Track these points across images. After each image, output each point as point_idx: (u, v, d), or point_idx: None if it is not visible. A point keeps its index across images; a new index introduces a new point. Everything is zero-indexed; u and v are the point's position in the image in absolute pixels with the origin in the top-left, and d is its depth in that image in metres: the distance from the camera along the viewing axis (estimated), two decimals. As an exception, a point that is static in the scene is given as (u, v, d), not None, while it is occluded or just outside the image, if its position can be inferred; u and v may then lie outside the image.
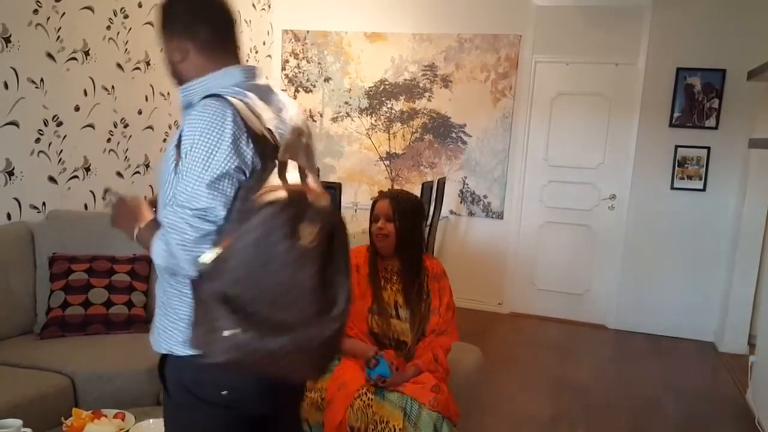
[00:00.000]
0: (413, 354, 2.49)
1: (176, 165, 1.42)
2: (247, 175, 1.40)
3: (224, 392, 1.50)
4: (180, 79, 1.59)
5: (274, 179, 1.36)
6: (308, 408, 2.37)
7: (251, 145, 1.40)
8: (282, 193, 1.33)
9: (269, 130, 1.48)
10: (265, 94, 1.55)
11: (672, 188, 5.31)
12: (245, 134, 1.40)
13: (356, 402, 2.21)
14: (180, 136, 1.42)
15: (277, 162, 1.41)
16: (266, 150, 1.43)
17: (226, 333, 1.29)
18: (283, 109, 1.59)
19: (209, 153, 1.37)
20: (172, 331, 1.54)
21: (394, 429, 2.15)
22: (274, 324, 1.32)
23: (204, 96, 1.45)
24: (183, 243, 1.39)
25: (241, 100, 1.44)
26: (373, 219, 2.55)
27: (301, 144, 1.50)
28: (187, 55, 1.55)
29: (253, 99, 1.49)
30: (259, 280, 1.31)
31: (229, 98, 1.42)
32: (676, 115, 5.26)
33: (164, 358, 1.61)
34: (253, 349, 1.31)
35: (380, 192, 2.66)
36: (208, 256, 1.34)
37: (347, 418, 2.20)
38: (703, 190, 5.24)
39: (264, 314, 1.32)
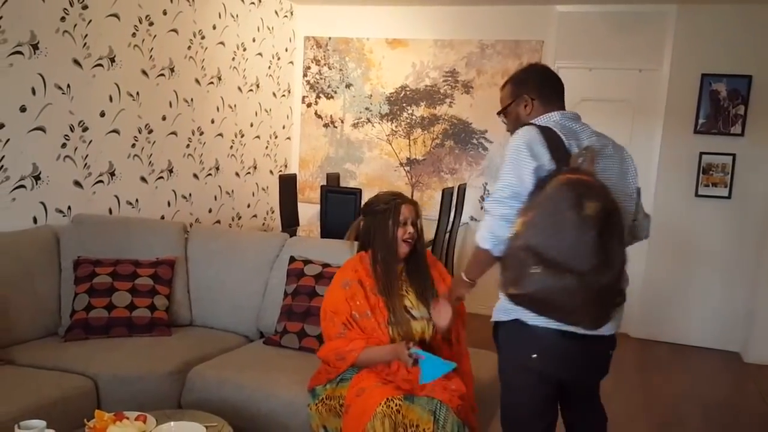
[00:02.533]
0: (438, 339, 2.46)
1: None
2: (546, 171, 1.96)
3: (534, 355, 2.03)
4: (520, 125, 2.15)
5: (564, 172, 1.93)
6: (326, 414, 2.37)
7: (547, 152, 1.98)
8: (567, 178, 1.89)
9: (565, 146, 2.03)
10: (572, 127, 2.12)
11: (696, 195, 5.24)
12: (541, 144, 1.99)
13: (381, 408, 2.16)
14: None
15: (569, 164, 1.97)
16: (560, 156, 1.99)
17: (531, 270, 1.83)
18: (582, 135, 2.12)
19: (512, 157, 2.01)
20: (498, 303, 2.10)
21: None
22: (565, 269, 1.80)
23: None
24: (504, 219, 1.95)
25: (547, 126, 2.06)
26: (401, 223, 2.46)
27: (587, 155, 2.01)
28: (531, 107, 2.22)
29: (559, 128, 2.07)
30: (554, 236, 1.83)
31: (536, 124, 2.07)
32: (700, 121, 5.20)
33: (495, 325, 2.16)
34: (551, 284, 1.82)
35: (395, 195, 2.53)
36: (519, 222, 1.90)
37: (369, 427, 2.15)
38: (729, 197, 5.16)
39: (558, 261, 1.81)
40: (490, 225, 1.99)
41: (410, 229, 2.48)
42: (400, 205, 2.48)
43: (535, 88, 2.27)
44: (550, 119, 2.16)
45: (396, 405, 2.17)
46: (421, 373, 2.25)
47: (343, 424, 2.26)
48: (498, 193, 2.00)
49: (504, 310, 2.10)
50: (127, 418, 2.13)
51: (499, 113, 2.37)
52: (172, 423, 2.16)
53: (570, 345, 2.02)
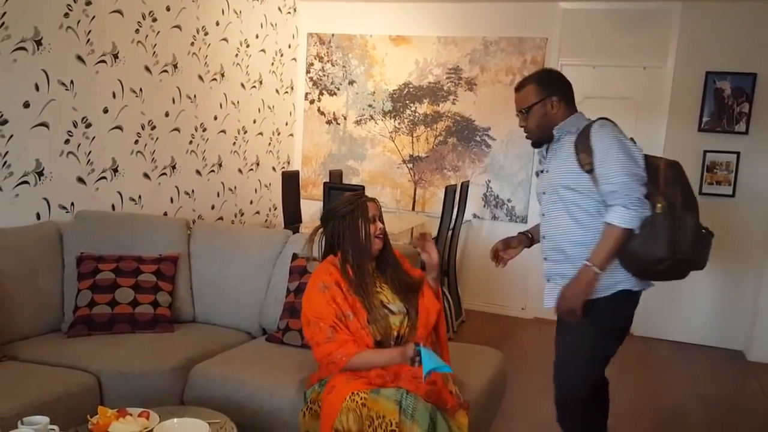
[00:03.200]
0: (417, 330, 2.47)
1: (582, 165, 2.40)
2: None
3: (626, 316, 2.53)
4: (546, 124, 2.53)
5: (653, 156, 2.49)
6: (310, 420, 2.37)
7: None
8: (667, 160, 2.48)
9: None
10: None
11: (700, 194, 5.21)
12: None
13: (346, 403, 2.16)
14: (577, 146, 2.43)
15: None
16: None
17: (692, 236, 2.40)
18: None
19: (627, 149, 2.38)
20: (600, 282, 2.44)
21: (390, 423, 2.12)
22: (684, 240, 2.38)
23: (580, 126, 2.48)
24: (644, 200, 2.36)
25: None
26: (371, 220, 2.46)
27: None
28: (559, 107, 2.52)
29: None
30: (694, 207, 2.45)
31: (607, 118, 2.47)
32: (705, 119, 5.18)
33: (592, 302, 2.45)
34: (703, 247, 2.47)
35: (357, 194, 2.55)
36: (659, 206, 2.36)
37: (337, 423, 2.15)
38: (733, 196, 5.15)
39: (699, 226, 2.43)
40: (637, 206, 2.32)
41: (380, 225, 2.49)
42: (365, 203, 2.49)
43: (561, 90, 2.52)
44: (583, 117, 2.52)
45: (361, 399, 2.16)
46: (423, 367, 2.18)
47: (321, 424, 2.26)
48: (632, 178, 2.33)
49: (608, 286, 2.43)
50: (130, 415, 2.14)
51: (521, 111, 2.55)
52: (175, 419, 2.16)
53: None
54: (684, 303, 5.34)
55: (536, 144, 2.64)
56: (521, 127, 2.63)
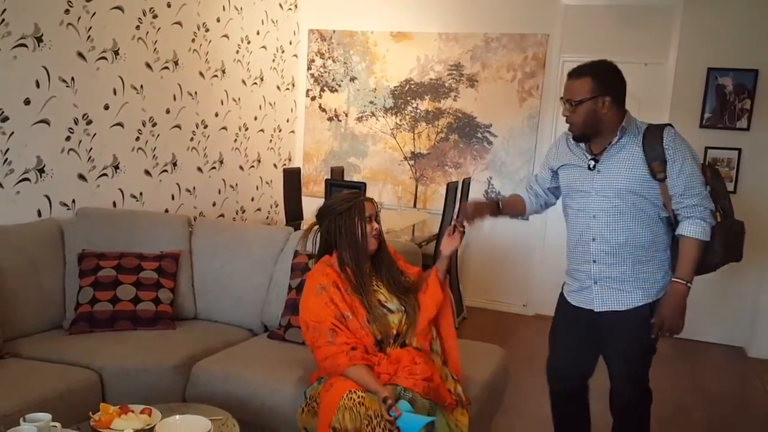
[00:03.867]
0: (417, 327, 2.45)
1: (655, 173, 2.40)
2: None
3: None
4: (593, 122, 2.44)
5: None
6: (307, 417, 2.37)
7: None
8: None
9: None
10: None
11: (702, 190, 5.21)
12: None
13: (343, 401, 2.14)
14: (647, 153, 2.43)
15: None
16: None
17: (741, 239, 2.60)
18: None
19: (697, 160, 2.46)
20: (650, 289, 2.52)
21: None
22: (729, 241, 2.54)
23: (640, 128, 2.50)
24: (713, 215, 2.46)
25: None
26: (367, 220, 2.44)
27: None
28: (610, 107, 2.44)
29: None
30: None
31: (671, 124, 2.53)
32: (706, 116, 5.17)
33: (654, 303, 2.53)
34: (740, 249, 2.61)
35: (354, 193, 2.52)
36: (718, 215, 2.50)
37: (334, 420, 2.14)
38: (734, 192, 5.14)
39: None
40: (711, 219, 2.44)
41: (375, 225, 2.47)
42: (363, 202, 2.46)
43: (615, 89, 2.46)
44: (633, 117, 2.51)
45: (358, 397, 2.15)
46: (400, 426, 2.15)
47: (318, 421, 2.25)
48: (706, 191, 2.44)
49: (664, 287, 2.51)
50: (132, 411, 2.14)
51: (570, 102, 2.45)
52: (177, 416, 2.16)
53: None
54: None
55: (579, 138, 2.52)
56: (565, 116, 2.52)
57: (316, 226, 2.55)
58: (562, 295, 2.75)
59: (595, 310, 2.56)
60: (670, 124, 2.49)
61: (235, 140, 5.36)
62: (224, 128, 5.18)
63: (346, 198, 2.49)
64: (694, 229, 2.41)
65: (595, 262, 2.53)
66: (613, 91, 2.44)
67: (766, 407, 4.07)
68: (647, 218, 2.47)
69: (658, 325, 2.51)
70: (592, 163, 2.50)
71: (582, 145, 2.55)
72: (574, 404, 2.83)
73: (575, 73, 2.48)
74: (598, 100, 2.41)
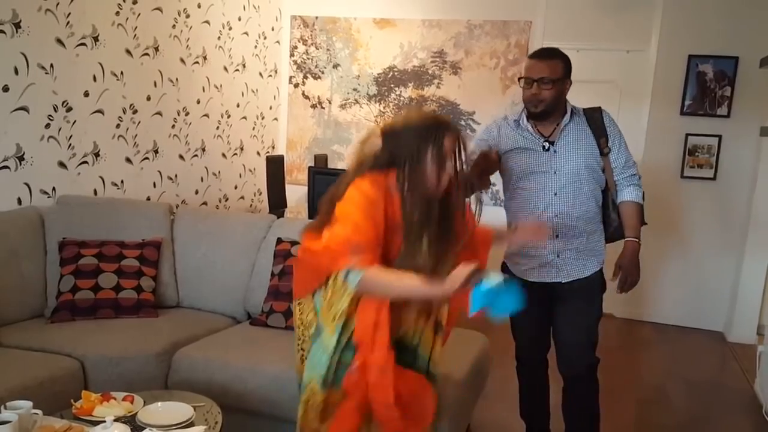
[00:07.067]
0: None
1: (602, 148, 2.66)
2: None
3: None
4: (559, 102, 2.63)
5: None
6: (301, 366, 2.14)
7: None
8: None
9: None
10: None
11: (682, 177, 5.27)
12: None
13: None
14: (594, 130, 2.68)
15: None
16: None
17: None
18: None
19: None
20: (599, 256, 2.79)
21: None
22: None
23: (578, 110, 2.74)
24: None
25: None
26: (442, 162, 1.99)
27: None
28: (568, 90, 2.68)
29: None
30: None
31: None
32: (687, 103, 5.22)
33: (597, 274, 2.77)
34: None
35: (438, 120, 2.05)
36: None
37: None
38: (714, 179, 5.20)
39: None
40: (642, 187, 2.74)
41: (449, 171, 1.97)
42: (444, 137, 1.95)
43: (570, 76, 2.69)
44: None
45: None
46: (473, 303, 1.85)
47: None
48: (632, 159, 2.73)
49: (602, 261, 2.77)
50: (115, 399, 2.14)
51: (549, 80, 2.58)
52: (159, 403, 2.17)
53: None
54: (664, 285, 5.40)
55: (540, 116, 2.64)
56: (533, 94, 2.59)
57: (373, 139, 2.06)
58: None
59: (563, 282, 2.73)
60: (600, 107, 2.77)
61: (218, 128, 5.33)
62: (206, 115, 5.15)
63: (429, 125, 2.00)
64: (636, 194, 2.71)
65: (558, 236, 2.69)
66: (570, 76, 2.67)
67: (744, 391, 4.14)
68: (596, 192, 2.72)
69: (622, 279, 2.74)
70: (546, 144, 2.67)
71: (529, 128, 2.69)
72: (538, 373, 3.06)
73: (547, 55, 2.65)
74: (565, 82, 2.64)
